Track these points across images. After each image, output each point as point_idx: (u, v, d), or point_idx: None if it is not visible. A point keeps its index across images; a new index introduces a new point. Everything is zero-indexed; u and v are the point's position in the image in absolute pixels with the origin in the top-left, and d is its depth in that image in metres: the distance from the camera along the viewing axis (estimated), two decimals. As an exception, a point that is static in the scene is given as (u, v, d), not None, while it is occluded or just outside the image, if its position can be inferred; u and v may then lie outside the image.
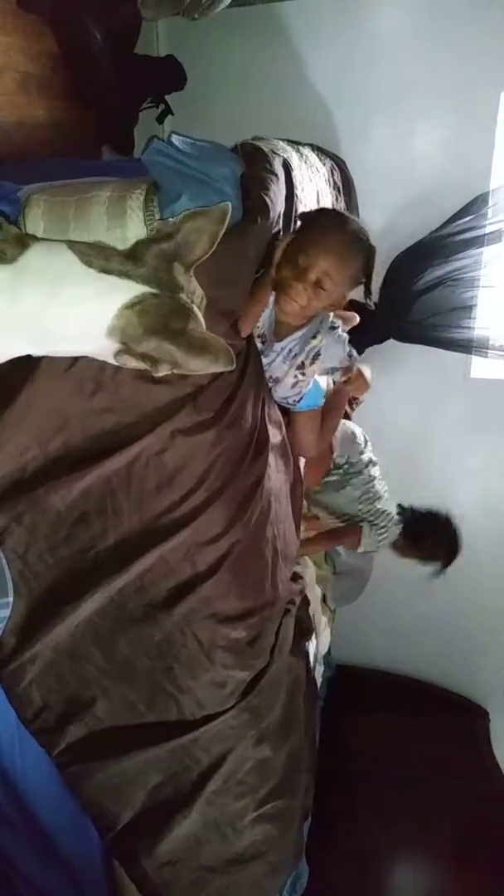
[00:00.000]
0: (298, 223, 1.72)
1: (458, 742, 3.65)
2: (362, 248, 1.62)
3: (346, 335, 1.84)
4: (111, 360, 1.05)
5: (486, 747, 3.61)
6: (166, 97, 3.09)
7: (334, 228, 1.61)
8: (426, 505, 2.67)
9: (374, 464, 2.60)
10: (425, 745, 3.49)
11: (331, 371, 1.83)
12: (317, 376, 1.91)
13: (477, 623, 3.71)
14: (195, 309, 1.05)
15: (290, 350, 1.77)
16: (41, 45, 2.43)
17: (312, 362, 1.80)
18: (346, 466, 2.53)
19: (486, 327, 3.24)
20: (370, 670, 4.03)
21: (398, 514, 2.61)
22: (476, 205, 3.08)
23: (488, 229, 3.09)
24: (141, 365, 1.03)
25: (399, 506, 2.64)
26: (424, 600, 3.26)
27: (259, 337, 1.77)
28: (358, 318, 2.26)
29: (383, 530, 2.56)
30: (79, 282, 0.97)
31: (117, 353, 1.02)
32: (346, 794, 3.07)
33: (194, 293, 1.06)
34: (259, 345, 1.78)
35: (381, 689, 3.93)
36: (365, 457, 2.55)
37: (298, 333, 1.75)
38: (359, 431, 2.58)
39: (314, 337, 1.78)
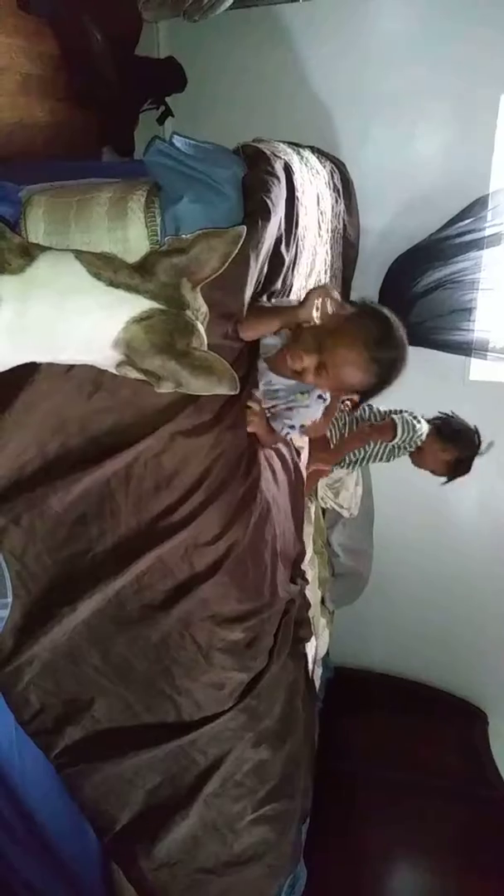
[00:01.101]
0: (350, 305, 1.68)
1: (457, 745, 3.65)
2: (379, 374, 1.60)
3: (327, 401, 1.81)
4: (112, 370, 1.05)
5: (485, 750, 3.61)
6: (167, 99, 3.09)
7: (367, 341, 1.57)
8: None
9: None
10: (423, 747, 3.49)
11: (288, 426, 1.82)
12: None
13: (475, 626, 3.71)
14: (199, 326, 1.05)
15: (276, 389, 1.78)
16: (42, 47, 2.43)
17: (286, 409, 1.79)
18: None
19: (486, 330, 3.24)
20: (369, 673, 4.03)
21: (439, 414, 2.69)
22: (476, 207, 3.09)
23: (488, 232, 3.09)
24: (142, 377, 1.04)
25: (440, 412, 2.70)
26: (423, 603, 3.27)
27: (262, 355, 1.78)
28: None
29: (418, 425, 2.57)
30: (87, 293, 0.97)
31: (119, 365, 1.02)
32: (345, 797, 3.07)
33: (199, 311, 1.07)
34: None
35: (379, 691, 3.94)
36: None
37: (291, 381, 1.75)
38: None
39: (302, 393, 1.78)
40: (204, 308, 1.09)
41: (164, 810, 1.64)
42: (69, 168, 1.97)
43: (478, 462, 3.60)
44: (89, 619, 1.47)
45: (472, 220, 3.10)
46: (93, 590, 1.45)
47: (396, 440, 2.54)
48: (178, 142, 1.67)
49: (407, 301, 3.23)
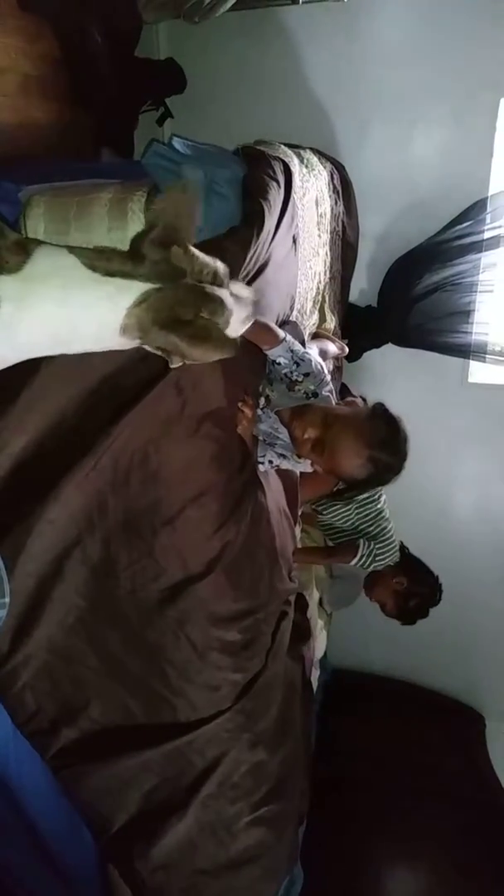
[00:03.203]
0: (362, 401, 1.83)
1: (454, 747, 3.65)
2: (372, 474, 1.67)
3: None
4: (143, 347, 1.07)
5: (482, 752, 3.61)
6: (166, 100, 3.10)
7: (372, 440, 1.65)
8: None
9: (382, 494, 2.61)
10: (421, 749, 3.49)
11: (268, 460, 1.85)
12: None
13: (473, 628, 3.71)
14: (207, 288, 1.05)
15: (279, 437, 1.82)
16: (42, 47, 2.44)
17: (277, 453, 1.84)
18: None
19: (485, 332, 3.25)
20: (366, 675, 4.03)
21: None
22: (475, 210, 3.09)
23: (487, 235, 3.09)
24: (158, 353, 1.06)
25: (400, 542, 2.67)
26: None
27: (264, 397, 1.80)
28: (347, 350, 2.27)
29: (386, 550, 2.56)
30: (86, 287, 0.98)
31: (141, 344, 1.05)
32: (342, 799, 3.06)
33: (202, 271, 1.06)
34: (262, 400, 1.81)
35: (376, 693, 3.93)
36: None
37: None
38: None
39: (299, 455, 1.82)
40: (210, 266, 1.08)
41: (161, 812, 1.64)
42: (69, 169, 1.97)
43: (476, 466, 3.63)
44: (85, 618, 1.46)
45: (471, 222, 3.11)
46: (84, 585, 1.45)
47: (354, 562, 2.54)
48: (178, 144, 1.67)
49: (406, 303, 3.24)
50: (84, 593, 1.45)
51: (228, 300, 1.08)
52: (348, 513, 2.56)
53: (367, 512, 2.56)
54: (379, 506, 2.56)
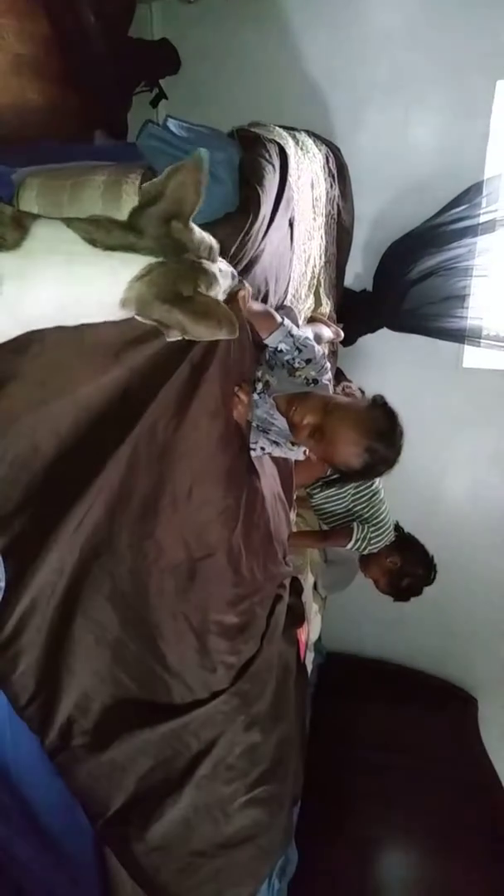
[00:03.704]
0: (359, 391, 1.81)
1: (448, 729, 3.68)
2: (367, 464, 1.66)
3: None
4: (137, 318, 1.08)
5: (475, 734, 3.64)
6: (160, 81, 3.06)
7: (371, 429, 1.65)
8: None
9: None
10: (415, 732, 3.52)
11: (260, 447, 1.85)
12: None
13: (466, 611, 3.74)
14: (204, 264, 1.06)
15: (273, 423, 1.81)
16: (34, 27, 2.40)
17: (271, 440, 1.84)
18: None
19: (479, 317, 3.24)
20: (361, 658, 4.06)
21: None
22: (470, 194, 3.08)
23: (482, 219, 3.08)
24: (154, 324, 1.07)
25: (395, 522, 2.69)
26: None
27: (263, 383, 1.80)
28: (342, 335, 2.27)
29: (380, 532, 2.57)
30: (87, 262, 0.98)
31: (137, 315, 1.06)
32: (336, 780, 3.09)
33: (200, 247, 1.07)
34: (260, 387, 1.80)
35: (371, 676, 3.96)
36: None
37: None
38: None
39: (293, 443, 1.83)
40: (206, 241, 1.09)
41: (157, 794, 1.65)
42: (62, 151, 1.95)
43: (470, 450, 3.63)
44: (84, 602, 1.47)
45: (466, 206, 3.09)
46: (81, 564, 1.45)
47: (349, 546, 2.57)
48: (173, 125, 1.65)
49: (401, 287, 3.23)
50: (85, 571, 1.45)
51: (219, 275, 1.09)
52: (343, 496, 2.57)
53: (363, 494, 2.57)
54: (374, 486, 2.57)
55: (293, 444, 1.82)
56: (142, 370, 1.44)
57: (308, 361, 1.77)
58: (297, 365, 1.77)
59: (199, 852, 1.76)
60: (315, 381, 1.77)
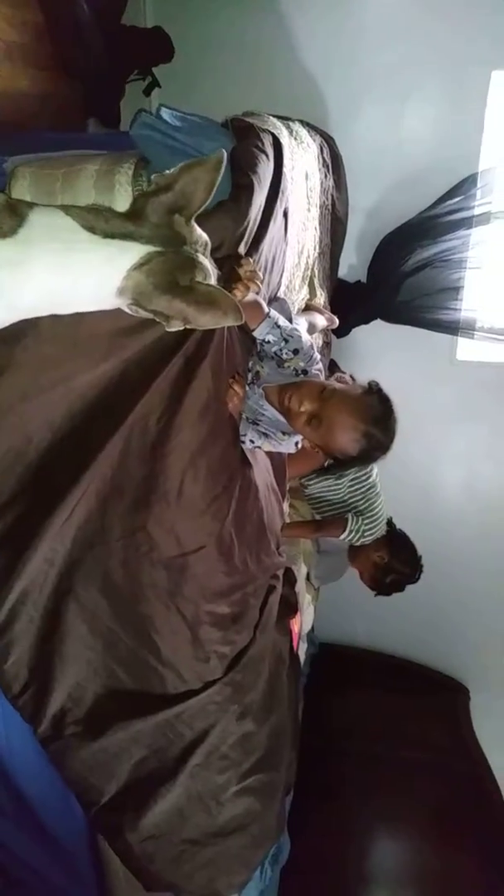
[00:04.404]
0: (351, 378, 1.79)
1: (439, 719, 3.71)
2: (364, 449, 1.66)
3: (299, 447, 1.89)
4: (125, 310, 1.06)
5: (467, 724, 3.67)
6: (153, 69, 3.05)
7: (367, 415, 1.65)
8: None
9: (375, 469, 2.63)
10: (407, 721, 3.54)
11: (249, 439, 1.83)
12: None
13: (458, 602, 3.76)
14: (200, 258, 1.05)
15: (263, 414, 1.80)
16: (26, 14, 2.38)
17: (261, 432, 1.82)
18: None
19: (473, 309, 3.25)
20: (353, 648, 4.08)
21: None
22: (465, 186, 3.08)
23: (477, 211, 3.08)
24: (151, 317, 1.05)
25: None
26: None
27: (254, 373, 1.79)
28: (336, 322, 2.28)
29: (373, 525, 2.58)
30: (86, 250, 0.97)
31: (129, 306, 1.05)
32: (328, 769, 3.11)
33: (198, 242, 1.07)
34: (250, 377, 1.80)
35: (363, 667, 3.99)
36: None
37: (280, 418, 1.78)
38: None
39: (284, 433, 1.82)
40: (203, 238, 1.09)
41: (150, 783, 1.65)
42: (55, 139, 1.94)
43: (463, 444, 3.64)
44: (77, 592, 1.47)
45: (461, 198, 3.09)
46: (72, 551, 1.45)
47: (342, 536, 2.58)
48: (166, 114, 1.64)
49: (395, 279, 3.23)
50: (77, 563, 1.45)
51: (210, 269, 1.08)
52: (339, 486, 2.57)
53: (359, 486, 2.57)
54: (371, 479, 2.58)
55: (284, 433, 1.81)
56: (135, 362, 1.43)
57: (296, 352, 1.77)
58: (284, 356, 1.77)
59: (192, 840, 1.77)
60: (305, 372, 1.77)
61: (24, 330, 1.22)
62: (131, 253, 0.99)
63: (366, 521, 2.56)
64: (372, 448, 1.66)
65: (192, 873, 1.76)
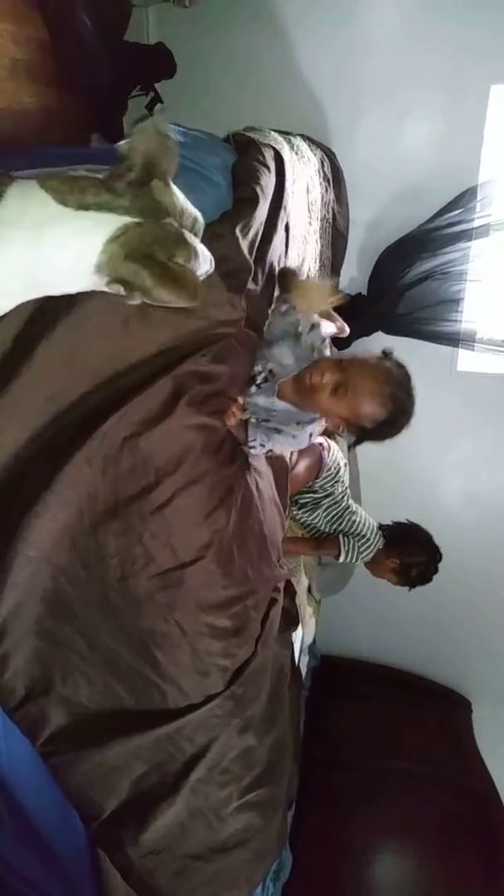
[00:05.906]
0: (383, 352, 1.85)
1: (441, 732, 3.69)
2: (391, 413, 1.71)
3: (313, 439, 1.93)
4: (105, 289, 1.04)
5: (469, 737, 3.65)
6: (156, 85, 3.07)
7: (390, 379, 1.70)
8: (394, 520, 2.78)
9: (346, 493, 2.66)
10: (408, 734, 3.52)
11: (259, 443, 1.84)
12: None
13: (460, 615, 3.75)
14: (187, 236, 1.03)
15: (275, 409, 1.81)
16: (30, 31, 2.40)
17: (273, 429, 1.84)
18: (318, 491, 2.59)
19: (473, 321, 3.26)
20: (355, 661, 4.07)
21: (391, 523, 2.70)
22: (465, 199, 3.09)
23: (476, 223, 3.10)
24: (124, 293, 1.02)
25: (378, 523, 2.72)
26: (409, 592, 3.28)
27: (265, 373, 1.80)
28: (348, 330, 2.29)
29: (366, 541, 2.59)
30: (60, 224, 0.94)
31: (108, 284, 1.02)
32: (330, 783, 3.10)
33: (182, 214, 1.04)
34: (261, 378, 1.80)
35: (365, 679, 3.97)
36: (339, 488, 2.61)
37: (293, 409, 1.79)
38: (342, 463, 2.64)
39: (298, 423, 1.84)
40: (190, 211, 1.05)
41: (151, 798, 1.64)
42: (58, 155, 1.95)
43: (463, 454, 3.64)
44: (74, 605, 1.46)
45: (461, 210, 3.11)
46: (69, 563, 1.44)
47: (341, 559, 2.60)
48: (168, 129, 1.65)
49: (395, 291, 3.24)
50: (73, 581, 1.45)
51: (200, 251, 1.05)
52: (317, 519, 2.60)
53: (334, 514, 2.61)
54: (343, 504, 2.61)
55: (298, 423, 1.82)
56: (124, 374, 1.44)
57: (312, 328, 1.82)
58: (300, 329, 1.79)
59: (194, 856, 1.76)
60: (320, 351, 1.81)
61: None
62: (106, 225, 0.96)
63: (358, 542, 2.58)
64: (398, 411, 1.70)
65: (193, 889, 1.75)
